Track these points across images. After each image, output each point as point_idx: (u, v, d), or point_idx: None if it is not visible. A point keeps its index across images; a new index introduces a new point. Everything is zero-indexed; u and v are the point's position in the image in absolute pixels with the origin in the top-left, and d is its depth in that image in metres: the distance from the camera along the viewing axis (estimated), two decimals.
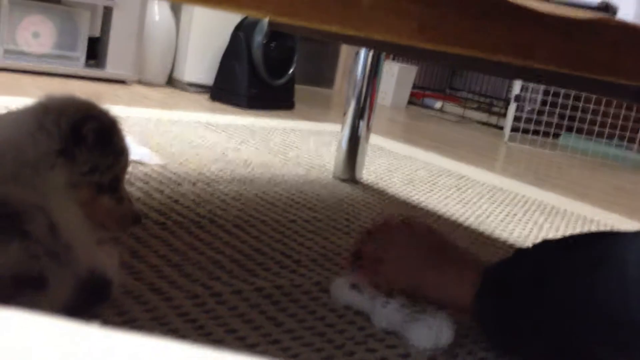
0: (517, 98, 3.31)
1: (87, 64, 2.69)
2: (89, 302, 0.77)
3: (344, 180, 1.71)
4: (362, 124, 1.71)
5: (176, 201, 1.27)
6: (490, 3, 0.55)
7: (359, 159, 1.73)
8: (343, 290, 0.93)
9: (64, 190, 0.73)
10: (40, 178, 0.71)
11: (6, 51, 2.50)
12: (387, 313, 0.87)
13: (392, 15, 0.48)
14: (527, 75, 1.34)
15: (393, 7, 0.47)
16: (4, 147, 0.72)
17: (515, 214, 1.69)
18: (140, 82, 2.84)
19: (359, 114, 1.71)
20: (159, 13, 2.84)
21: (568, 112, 3.34)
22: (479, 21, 0.55)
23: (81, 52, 2.65)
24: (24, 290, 0.65)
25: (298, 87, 3.05)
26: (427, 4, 0.50)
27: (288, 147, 2.02)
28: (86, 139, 0.74)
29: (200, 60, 2.90)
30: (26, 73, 2.51)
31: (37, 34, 2.56)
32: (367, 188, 1.68)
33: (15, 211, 0.67)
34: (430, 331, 0.82)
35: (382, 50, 1.68)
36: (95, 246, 0.80)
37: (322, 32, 1.50)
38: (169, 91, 2.83)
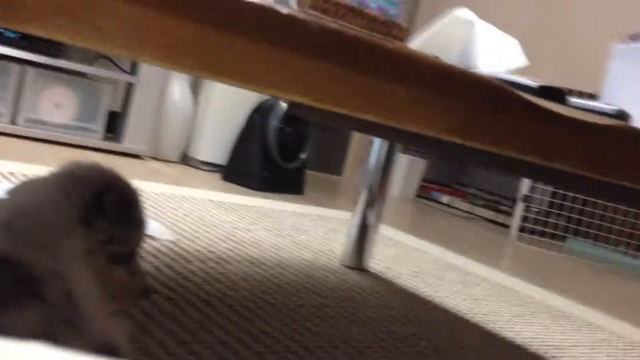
0: (525, 198, 3.33)
1: (105, 137, 2.74)
2: None
3: (352, 268, 1.70)
4: (372, 213, 1.72)
5: (185, 278, 1.27)
6: (521, 105, 0.58)
7: (367, 247, 1.73)
8: None
9: (82, 258, 0.73)
10: (60, 244, 0.72)
11: (27, 119, 2.56)
12: None
13: (430, 109, 0.50)
14: (542, 175, 1.36)
15: (431, 102, 0.49)
16: (28, 211, 0.73)
17: (522, 314, 1.67)
18: (155, 157, 2.89)
19: (369, 203, 1.72)
20: (178, 92, 2.92)
21: (575, 216, 3.36)
22: (511, 121, 0.57)
23: (100, 125, 2.71)
24: None
25: (307, 173, 3.09)
26: (469, 103, 0.52)
27: (297, 231, 2.03)
28: (106, 210, 0.75)
29: (215, 140, 2.95)
30: (45, 142, 2.56)
31: (59, 105, 2.63)
32: (374, 277, 1.68)
33: (34, 276, 0.67)
34: None
35: (399, 142, 1.71)
36: (108, 318, 0.80)
37: (343, 118, 1.54)
38: (182, 168, 2.87)
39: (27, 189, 0.80)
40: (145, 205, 1.78)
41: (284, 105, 2.80)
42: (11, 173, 1.82)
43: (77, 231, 0.73)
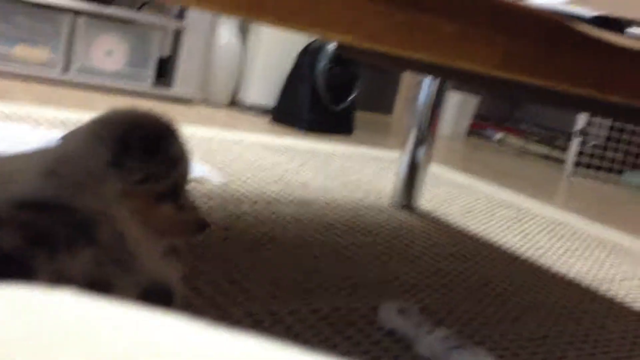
0: (581, 132, 3.25)
1: (155, 83, 2.78)
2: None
3: (401, 207, 1.71)
4: (422, 152, 1.71)
5: (237, 219, 1.30)
6: (572, 36, 0.56)
7: (417, 186, 1.73)
8: (390, 315, 0.93)
9: (121, 200, 0.75)
10: (102, 188, 0.74)
11: (79, 68, 2.60)
12: (430, 342, 0.86)
13: (479, 44, 0.49)
14: (597, 108, 1.32)
15: (480, 37, 0.48)
16: (70, 157, 0.75)
17: (576, 249, 1.66)
18: (204, 102, 2.92)
19: (419, 142, 1.71)
20: (227, 36, 2.92)
21: (633, 149, 3.26)
22: (561, 53, 0.56)
23: (151, 72, 2.74)
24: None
25: (357, 113, 3.07)
26: (514, 35, 0.50)
27: (347, 172, 2.03)
28: (132, 148, 0.74)
29: (264, 83, 2.95)
30: (97, 89, 2.61)
31: (110, 52, 2.66)
32: (424, 216, 1.68)
33: (83, 219, 0.70)
34: None
35: (450, 79, 1.68)
36: (158, 256, 0.82)
37: (391, 59, 1.52)
38: (231, 112, 2.89)
39: (70, 137, 0.82)
40: (197, 150, 1.81)
41: (332, 46, 2.77)
42: (63, 122, 1.87)
43: (111, 174, 0.74)
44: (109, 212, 0.72)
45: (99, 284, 0.69)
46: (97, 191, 0.73)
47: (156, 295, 0.78)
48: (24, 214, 0.66)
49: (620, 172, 3.33)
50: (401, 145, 1.75)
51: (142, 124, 0.76)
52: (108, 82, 2.65)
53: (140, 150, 0.74)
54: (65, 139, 0.84)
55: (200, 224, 0.82)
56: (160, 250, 0.83)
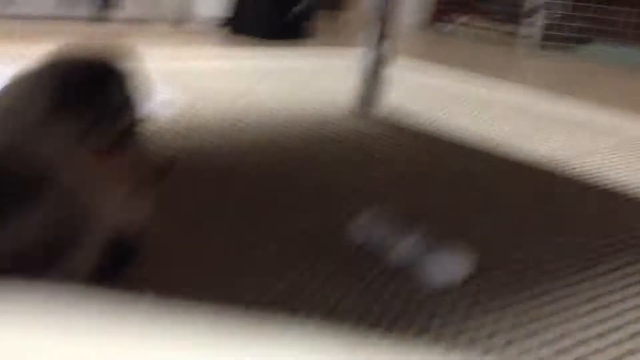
0: (547, 5, 3.20)
1: (103, 6, 2.66)
2: (118, 263, 0.76)
3: (365, 110, 1.69)
4: (385, 46, 1.67)
5: (197, 149, 1.27)
6: None
7: (381, 85, 1.70)
8: (362, 226, 0.93)
9: (68, 154, 0.71)
10: (46, 140, 0.70)
11: None
12: (402, 249, 0.86)
13: None
14: None
15: None
16: (14, 111, 0.71)
17: (542, 129, 1.66)
18: (157, 20, 2.81)
19: (380, 37, 1.66)
20: None
21: (599, 16, 3.23)
22: None
23: None
24: (52, 257, 0.65)
25: (317, 14, 2.99)
26: None
27: (310, 79, 2.00)
28: (70, 94, 0.70)
29: None
30: (44, 19, 2.50)
31: None
32: (389, 116, 1.66)
33: (31, 177, 0.66)
34: (445, 267, 0.82)
35: None
36: (120, 204, 0.79)
37: None
38: (186, 28, 2.79)
39: (11, 85, 0.77)
40: (151, 76, 1.74)
41: None
42: (14, 58, 1.79)
43: (55, 124, 0.69)
44: (57, 169, 0.68)
45: (57, 242, 0.66)
46: (41, 144, 0.69)
47: (121, 246, 0.75)
48: None
49: (584, 43, 3.31)
50: (364, 41, 1.70)
51: (80, 69, 0.71)
52: (54, 11, 2.53)
53: (77, 95, 0.70)
54: (6, 88, 0.79)
55: (162, 169, 0.79)
56: (120, 197, 0.79)
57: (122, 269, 0.78)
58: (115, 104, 0.73)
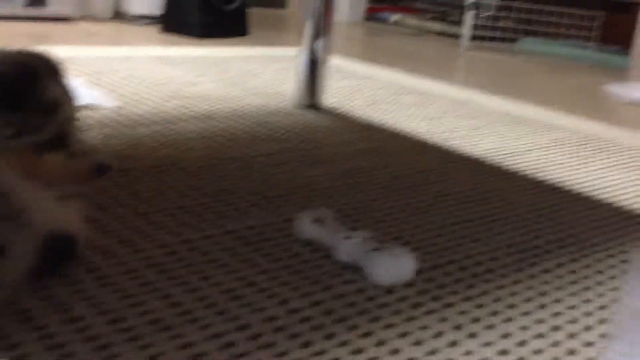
0: (474, 4, 3.26)
1: (28, 3, 2.56)
2: (54, 262, 0.75)
3: (306, 107, 1.68)
4: (320, 45, 1.67)
5: (134, 146, 1.24)
6: None
7: (319, 83, 1.69)
8: (305, 225, 0.92)
9: (2, 149, 0.69)
10: None
11: None
12: (348, 247, 0.86)
13: None
14: None
15: None
16: None
17: (478, 127, 1.69)
18: (84, 18, 2.72)
19: (316, 34, 1.66)
20: None
21: (525, 16, 3.32)
22: None
23: None
24: None
25: (250, 11, 2.96)
26: None
27: (246, 77, 1.97)
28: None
29: None
30: None
31: None
32: (330, 113, 1.66)
33: None
34: (392, 266, 0.82)
35: None
36: (53, 204, 0.77)
37: None
38: (116, 26, 2.72)
39: None
40: (83, 72, 1.69)
41: None
42: None
43: None
44: None
45: None
46: None
47: (56, 243, 0.73)
48: None
49: (514, 40, 3.40)
50: (299, 40, 1.69)
51: (2, 74, 0.68)
52: None
53: (3, 102, 0.67)
54: None
55: (98, 168, 0.77)
56: (54, 197, 0.77)
57: (57, 267, 0.75)
58: (44, 107, 0.70)
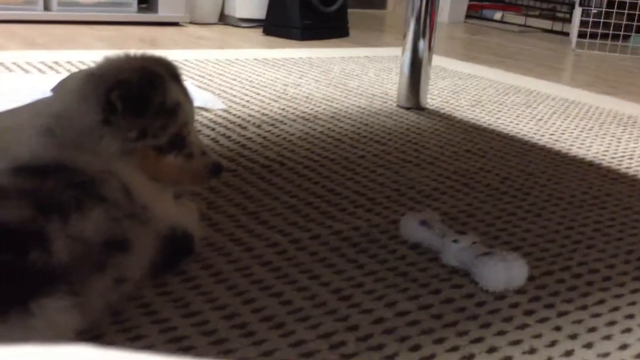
0: (582, 1, 3.13)
1: (140, 9, 2.68)
2: (174, 258, 0.78)
3: (408, 108, 1.67)
4: (423, 45, 1.65)
5: (244, 146, 1.27)
6: None
7: (422, 83, 1.68)
8: (412, 227, 0.91)
9: (122, 157, 0.71)
10: (98, 146, 0.71)
11: (60, 2, 2.51)
12: (456, 251, 0.84)
13: None
14: None
15: None
16: (63, 116, 0.72)
17: (591, 128, 1.62)
18: (193, 22, 2.82)
19: (419, 34, 1.64)
20: None
21: (638, 12, 3.15)
22: None
23: None
24: (112, 254, 0.66)
25: (350, 12, 2.97)
26: None
27: (348, 78, 1.98)
28: (116, 106, 0.70)
29: None
30: (81, 24, 2.52)
31: None
32: (433, 114, 1.64)
33: (88, 178, 0.67)
34: (504, 272, 0.80)
35: None
36: (173, 203, 0.81)
37: None
38: (222, 29, 2.80)
39: (62, 91, 0.78)
40: (193, 75, 1.76)
41: None
42: (56, 62, 1.81)
43: (105, 132, 0.71)
44: (112, 169, 0.70)
45: (115, 241, 0.67)
46: (95, 150, 0.70)
47: (175, 241, 0.77)
48: (29, 181, 0.64)
49: (626, 37, 3.24)
50: (400, 41, 1.68)
51: (123, 81, 0.71)
52: (92, 14, 2.56)
53: (123, 107, 0.70)
54: (57, 93, 0.80)
55: (214, 169, 0.79)
56: (172, 196, 0.81)
57: (176, 263, 0.79)
58: (164, 110, 0.73)
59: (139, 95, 0.72)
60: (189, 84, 1.64)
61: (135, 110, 0.71)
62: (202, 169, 0.79)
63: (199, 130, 1.33)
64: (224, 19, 2.92)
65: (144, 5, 2.73)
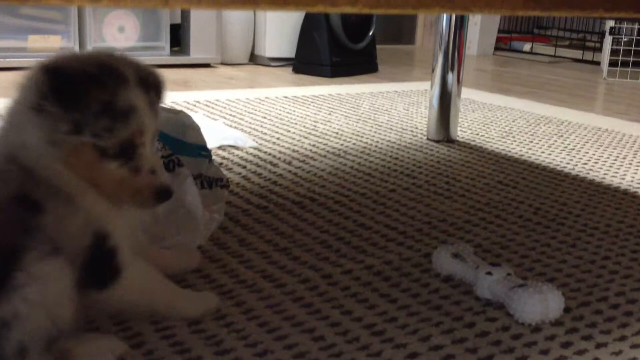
0: (613, 30, 3.12)
1: (172, 52, 2.74)
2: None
3: (438, 141, 1.67)
4: (452, 79, 1.66)
5: (275, 182, 1.28)
6: None
7: (452, 116, 1.68)
8: (444, 260, 0.91)
9: (48, 149, 0.64)
10: (25, 134, 0.65)
11: (94, 48, 2.58)
12: (490, 283, 0.83)
13: None
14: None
15: None
16: (8, 106, 0.67)
17: (625, 156, 1.60)
18: (223, 63, 2.88)
19: (447, 68, 1.65)
20: None
21: None
22: None
23: (165, 41, 2.71)
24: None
25: (379, 48, 3.00)
26: None
27: (377, 112, 1.99)
28: (53, 94, 0.63)
29: (280, 34, 2.89)
30: None
31: (122, 28, 2.63)
32: (463, 146, 1.64)
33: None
34: (539, 303, 0.78)
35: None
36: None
37: None
38: (252, 69, 2.85)
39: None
40: (225, 114, 1.78)
41: None
42: None
43: (32, 119, 0.64)
44: (33, 162, 0.65)
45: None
46: (24, 141, 0.65)
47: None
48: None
49: None
50: (429, 75, 1.69)
51: (68, 69, 0.64)
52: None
53: (56, 96, 0.63)
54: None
55: (160, 192, 0.68)
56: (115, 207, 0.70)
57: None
58: (116, 111, 0.65)
59: (75, 85, 0.64)
60: (219, 123, 1.67)
61: (66, 100, 0.64)
62: (146, 189, 0.68)
63: (231, 167, 1.35)
64: (254, 59, 2.97)
65: (176, 49, 2.80)
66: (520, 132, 1.82)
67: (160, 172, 0.70)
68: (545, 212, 1.18)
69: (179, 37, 2.81)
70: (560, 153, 1.61)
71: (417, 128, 1.81)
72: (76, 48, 2.55)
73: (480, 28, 3.78)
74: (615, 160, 1.57)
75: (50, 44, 2.52)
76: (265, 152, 1.49)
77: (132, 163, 0.66)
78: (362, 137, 1.68)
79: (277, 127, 1.74)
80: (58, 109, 0.63)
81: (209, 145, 1.06)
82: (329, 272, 0.91)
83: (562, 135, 1.80)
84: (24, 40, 2.47)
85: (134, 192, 0.67)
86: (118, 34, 2.62)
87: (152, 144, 0.70)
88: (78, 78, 0.64)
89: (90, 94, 0.64)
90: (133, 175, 0.67)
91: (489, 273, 0.84)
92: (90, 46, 2.56)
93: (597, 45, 3.56)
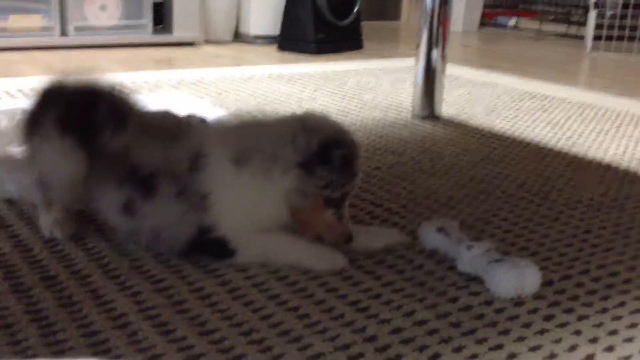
0: (597, 4, 3.12)
1: (155, 31, 2.72)
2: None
3: (424, 118, 1.67)
4: (437, 54, 1.65)
5: None
6: None
7: (436, 93, 1.68)
8: (429, 235, 0.92)
9: (289, 194, 0.82)
10: (275, 178, 0.82)
11: (76, 28, 2.55)
12: (470, 258, 0.84)
13: None
14: None
15: None
16: (262, 146, 0.83)
17: (607, 131, 1.61)
18: (208, 41, 2.85)
19: (432, 45, 1.65)
20: None
21: None
22: None
23: (148, 19, 2.68)
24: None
25: (364, 24, 2.99)
26: None
27: (363, 90, 1.99)
28: (333, 161, 0.81)
29: (264, 12, 2.87)
30: (99, 47, 2.56)
31: (104, 7, 2.60)
32: (448, 123, 1.64)
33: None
34: (514, 279, 0.79)
35: None
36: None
37: None
38: (237, 46, 2.83)
39: (259, 127, 0.88)
40: (210, 93, 1.77)
41: None
42: None
43: (292, 172, 0.81)
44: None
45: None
46: (270, 177, 0.82)
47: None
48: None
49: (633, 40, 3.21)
50: (415, 51, 1.69)
51: (344, 143, 0.83)
52: (108, 38, 2.60)
53: (338, 164, 0.81)
54: (249, 126, 0.90)
55: (350, 237, 0.85)
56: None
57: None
58: (350, 173, 0.84)
59: (351, 156, 0.83)
60: (204, 101, 1.65)
61: (343, 168, 0.82)
62: (343, 233, 0.86)
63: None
64: (238, 36, 2.95)
65: (159, 27, 2.77)
66: (505, 107, 1.83)
67: (347, 219, 0.86)
68: (529, 186, 1.19)
69: (161, 15, 2.78)
70: (544, 128, 1.62)
71: (402, 105, 1.81)
72: (57, 27, 2.51)
73: (466, 3, 3.77)
74: (599, 134, 1.58)
75: (31, 23, 2.49)
76: None
77: (340, 212, 0.85)
78: (347, 114, 1.67)
79: (263, 105, 1.73)
80: (324, 172, 0.81)
81: None
82: None
83: (546, 110, 1.81)
84: (4, 19, 2.44)
85: (334, 234, 0.85)
86: (100, 12, 2.59)
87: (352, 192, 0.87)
88: (348, 152, 0.82)
89: (349, 163, 0.82)
90: (337, 221, 0.85)
91: (469, 248, 0.85)
92: (73, 24, 2.53)
93: (582, 19, 3.56)
